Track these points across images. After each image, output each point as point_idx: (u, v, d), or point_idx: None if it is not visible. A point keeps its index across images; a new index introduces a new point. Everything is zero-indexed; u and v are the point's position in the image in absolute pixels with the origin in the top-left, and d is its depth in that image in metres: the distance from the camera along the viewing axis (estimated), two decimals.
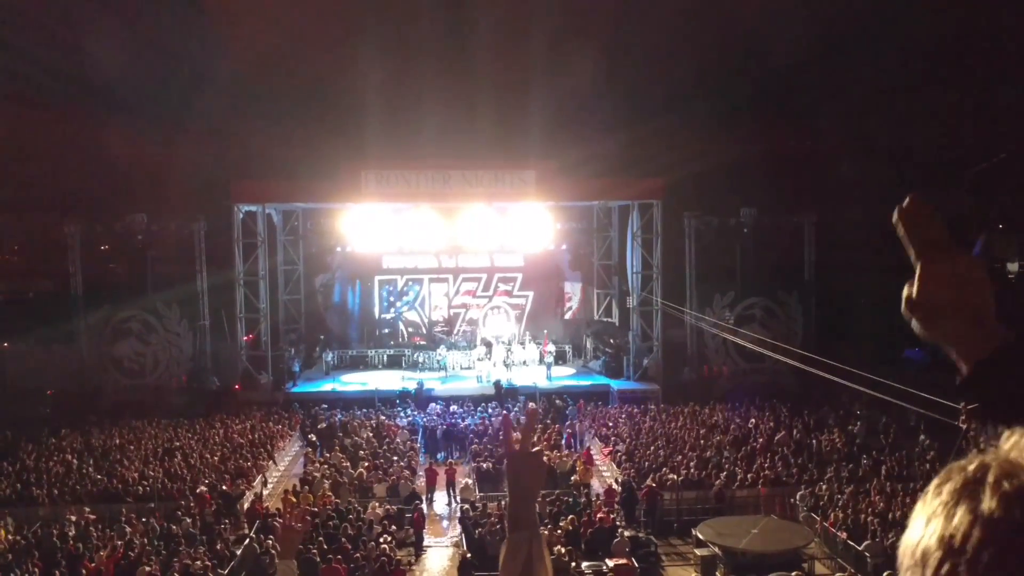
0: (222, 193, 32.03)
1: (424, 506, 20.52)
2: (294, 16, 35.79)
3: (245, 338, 32.64)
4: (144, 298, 31.87)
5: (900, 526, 17.09)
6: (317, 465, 22.72)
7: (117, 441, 24.87)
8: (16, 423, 26.93)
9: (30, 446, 24.36)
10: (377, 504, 19.67)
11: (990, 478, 0.93)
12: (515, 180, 32.28)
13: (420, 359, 34.82)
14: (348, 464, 22.49)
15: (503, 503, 19.25)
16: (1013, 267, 38.77)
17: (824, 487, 20.28)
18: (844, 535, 17.75)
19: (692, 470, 21.42)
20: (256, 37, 34.62)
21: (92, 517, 18.56)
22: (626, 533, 17.83)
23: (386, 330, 37.72)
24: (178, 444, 24.59)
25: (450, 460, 23.89)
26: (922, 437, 23.37)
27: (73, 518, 18.42)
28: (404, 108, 35.57)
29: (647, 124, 35.91)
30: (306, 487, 20.68)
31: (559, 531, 17.29)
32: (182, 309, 31.79)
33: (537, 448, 2.32)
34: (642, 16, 36.83)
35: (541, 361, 33.78)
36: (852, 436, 24.48)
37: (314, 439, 25.51)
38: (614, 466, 23.21)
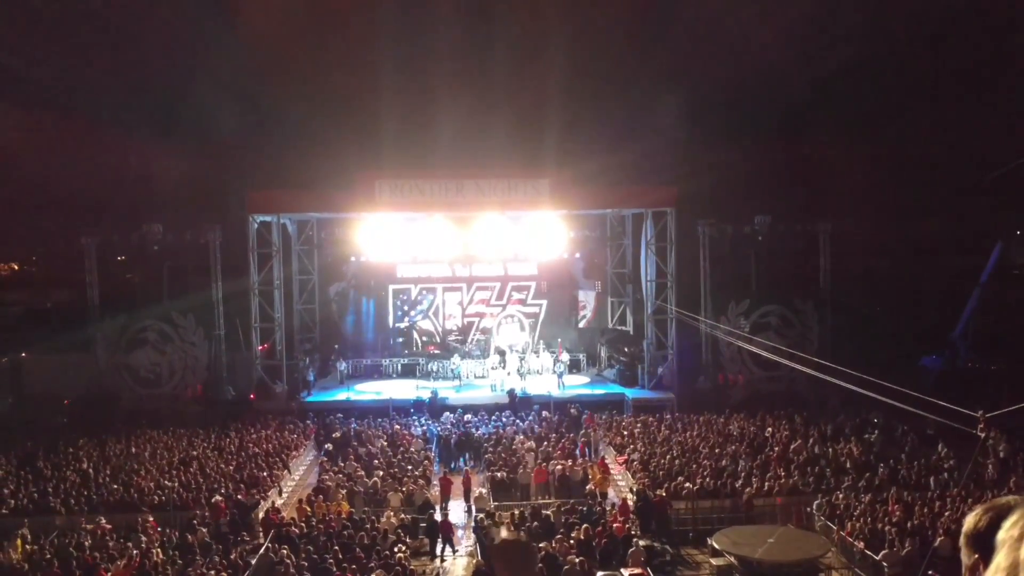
0: (237, 203, 32.24)
1: (438, 515, 20.50)
2: (309, 27, 35.99)
3: (260, 347, 32.78)
4: (160, 308, 32.07)
5: (918, 535, 16.99)
6: (331, 474, 22.73)
7: (133, 450, 24.98)
8: (33, 432, 27.16)
9: (47, 455, 24.51)
10: (392, 513, 19.66)
11: None
12: (529, 189, 32.29)
13: (434, 368, 34.86)
14: (363, 473, 22.51)
15: (516, 513, 19.22)
16: None
17: (841, 496, 20.13)
18: (861, 545, 17.60)
19: (708, 479, 21.32)
20: (271, 48, 34.82)
21: (108, 527, 18.64)
22: (641, 543, 17.74)
23: (400, 339, 37.79)
24: (194, 453, 24.67)
25: (467, 469, 23.86)
26: (940, 446, 23.17)
27: (89, 528, 18.50)
28: (418, 118, 35.69)
29: (661, 133, 35.92)
30: (320, 496, 20.71)
31: (572, 540, 17.21)
32: (198, 318, 31.96)
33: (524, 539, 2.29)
34: (656, 27, 36.81)
35: (555, 370, 33.77)
36: (869, 445, 24.29)
37: (329, 448, 25.54)
38: (629, 475, 23.13)
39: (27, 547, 17.56)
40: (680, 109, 36.81)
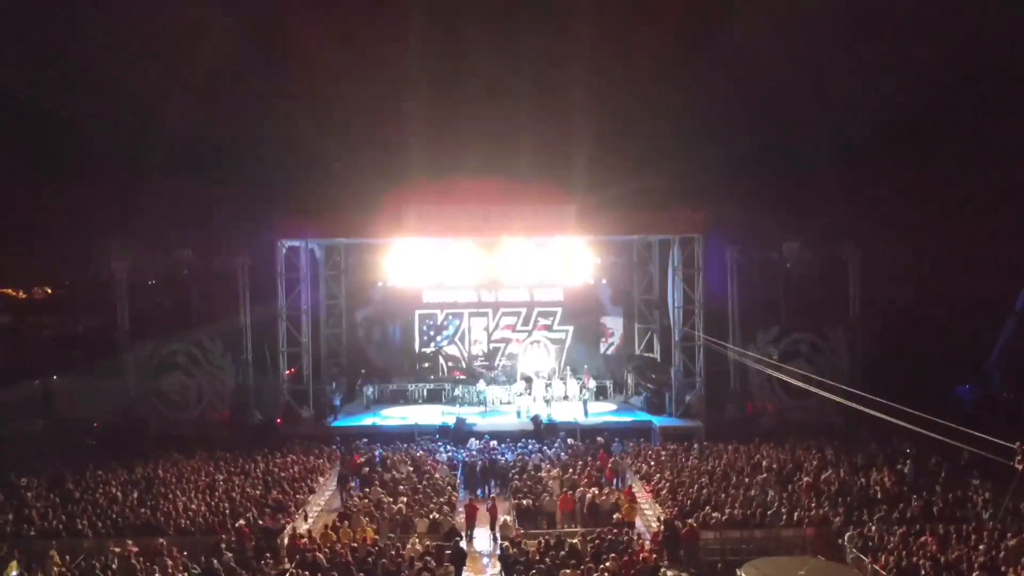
0: (266, 228, 32.51)
1: (464, 543, 20.33)
2: (337, 53, 36.38)
3: (287, 372, 32.92)
4: (189, 332, 32.32)
5: (954, 570, 16.58)
6: (357, 500, 22.66)
7: (161, 474, 25.09)
8: (63, 455, 27.37)
9: (76, 478, 24.68)
10: (417, 540, 19.52)
11: None
12: (556, 214, 32.32)
13: (460, 394, 34.79)
14: (388, 499, 22.42)
15: (543, 541, 19.01)
16: None
17: (873, 528, 19.74)
18: None
19: (736, 509, 21.00)
20: (301, 75, 35.26)
21: (135, 550, 18.66)
22: (669, 573, 17.49)
23: (426, 364, 37.79)
24: (220, 478, 24.72)
25: (493, 496, 23.68)
26: (975, 478, 22.67)
27: (117, 551, 18.54)
28: (445, 143, 35.86)
29: (688, 158, 35.84)
30: (346, 522, 20.64)
31: (600, 571, 16.97)
32: (226, 343, 32.17)
33: None
34: (685, 52, 36.86)
35: (581, 396, 33.60)
36: (902, 475, 23.84)
37: (355, 472, 25.48)
38: (656, 504, 22.85)
39: (56, 569, 17.61)
40: (708, 135, 36.78)
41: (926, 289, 36.14)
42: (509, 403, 33.94)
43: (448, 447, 28.66)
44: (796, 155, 37.17)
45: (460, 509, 22.57)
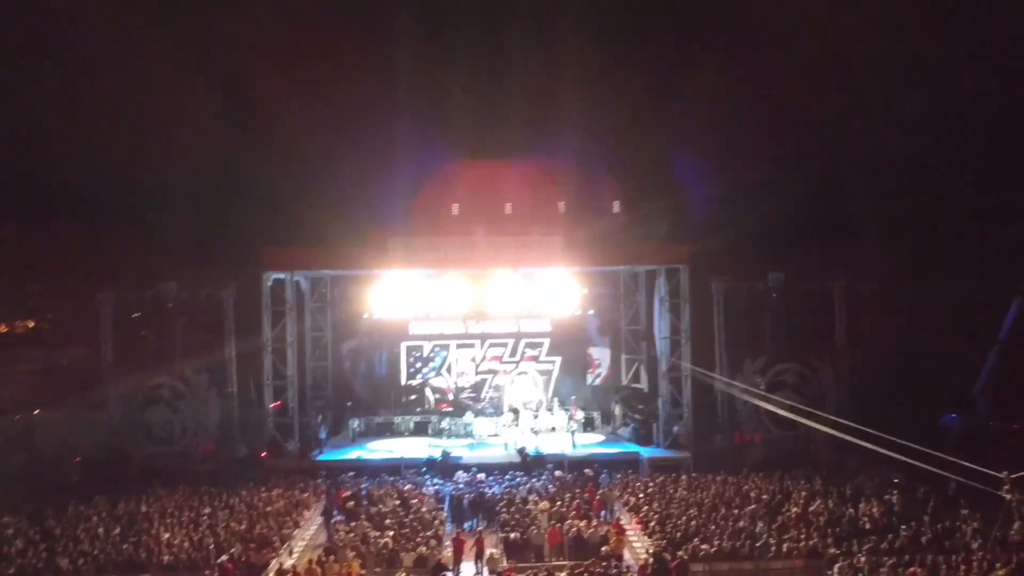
0: (251, 261, 32.43)
1: None
2: (323, 85, 36.55)
3: (272, 405, 32.69)
4: (174, 365, 32.10)
5: None
6: (343, 534, 22.42)
7: (144, 509, 24.76)
8: (45, 490, 26.99)
9: (58, 514, 24.31)
10: (403, 574, 19.31)
11: None
12: (542, 246, 32.48)
13: (447, 426, 34.59)
14: (374, 533, 22.20)
15: (531, 575, 18.84)
16: None
17: (863, 559, 19.64)
18: None
19: (726, 540, 20.88)
20: (285, 107, 35.35)
21: None
22: None
23: (413, 396, 37.59)
24: (205, 512, 24.42)
25: (480, 530, 23.48)
26: (963, 507, 22.63)
27: None
28: (431, 174, 36.00)
29: (674, 190, 36.08)
30: (331, 557, 20.39)
31: None
32: (211, 376, 31.95)
33: None
34: (668, 86, 37.24)
35: (569, 428, 33.47)
36: (890, 505, 23.79)
37: (340, 507, 25.21)
38: (645, 537, 22.70)
39: None
40: (693, 166, 37.02)
41: (911, 319, 36.25)
42: (496, 435, 33.77)
43: (435, 480, 28.42)
44: (780, 186, 37.39)
45: (447, 543, 22.34)
